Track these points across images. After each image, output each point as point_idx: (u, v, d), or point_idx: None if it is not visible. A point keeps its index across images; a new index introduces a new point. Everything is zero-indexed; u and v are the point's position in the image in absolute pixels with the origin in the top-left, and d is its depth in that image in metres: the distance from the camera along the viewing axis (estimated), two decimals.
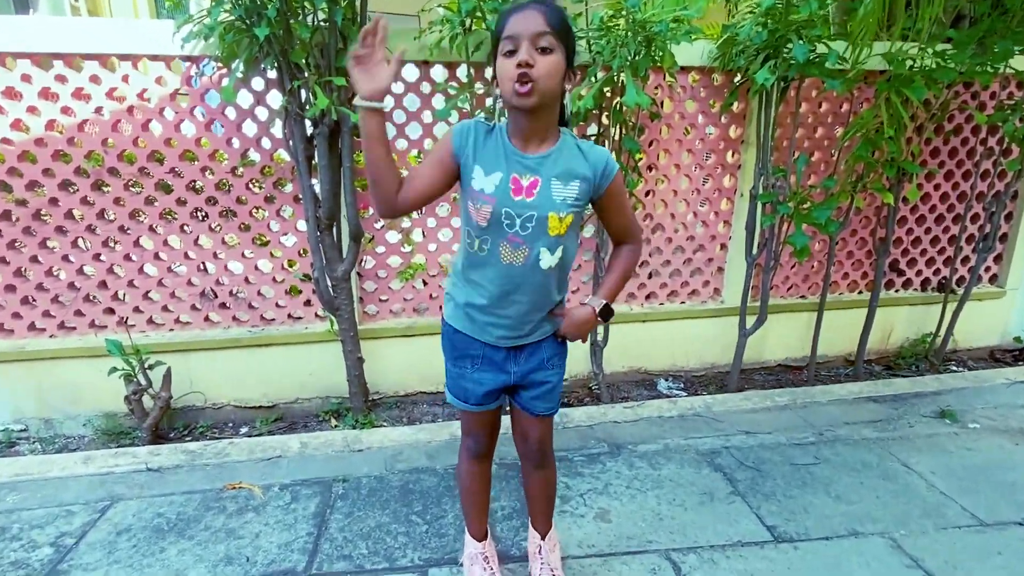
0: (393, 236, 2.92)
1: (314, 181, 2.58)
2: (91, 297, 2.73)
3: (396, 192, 1.30)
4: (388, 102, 2.71)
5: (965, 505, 2.17)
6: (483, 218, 1.30)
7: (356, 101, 1.23)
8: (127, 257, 2.70)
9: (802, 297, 3.44)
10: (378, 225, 2.89)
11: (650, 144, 3.00)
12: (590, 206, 1.40)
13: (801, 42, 2.49)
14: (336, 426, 2.84)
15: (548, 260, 1.35)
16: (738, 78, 2.91)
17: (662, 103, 2.94)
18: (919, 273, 3.59)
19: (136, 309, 2.77)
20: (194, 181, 2.67)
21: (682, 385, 3.30)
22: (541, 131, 1.30)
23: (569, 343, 1.56)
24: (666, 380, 3.33)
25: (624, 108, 2.63)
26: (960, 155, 3.36)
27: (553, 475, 1.69)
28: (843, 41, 2.77)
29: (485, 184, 1.29)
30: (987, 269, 3.66)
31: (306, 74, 2.34)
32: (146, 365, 2.60)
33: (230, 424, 2.90)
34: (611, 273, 1.51)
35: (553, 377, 1.52)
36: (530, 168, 1.29)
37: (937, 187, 3.41)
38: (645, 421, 2.76)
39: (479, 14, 2.38)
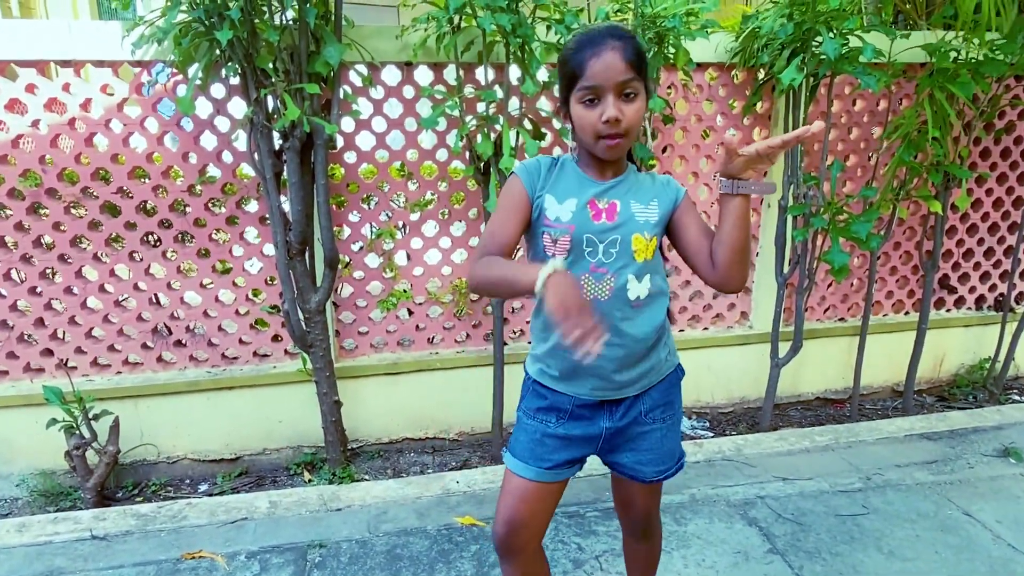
0: (373, 259, 2.93)
1: (283, 200, 2.60)
2: (26, 337, 2.72)
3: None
4: (366, 109, 2.74)
5: None
6: (563, 249, 1.33)
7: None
8: (68, 290, 2.70)
9: (841, 320, 3.47)
10: (355, 247, 2.91)
11: (664, 150, 3.04)
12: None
13: (832, 36, 2.54)
14: (310, 481, 2.82)
15: (636, 289, 1.36)
16: (761, 74, 2.96)
17: (675, 104, 2.98)
18: (973, 290, 3.62)
19: (78, 350, 2.76)
20: (145, 202, 2.68)
21: (708, 424, 3.31)
22: (617, 163, 1.38)
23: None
24: (689, 419, 3.33)
25: None
26: (1014, 156, 3.42)
27: (659, 545, 1.69)
28: (878, 32, 2.83)
29: (560, 212, 1.34)
30: None
31: (274, 80, 2.37)
32: (90, 415, 2.58)
33: (187, 481, 2.88)
34: (720, 226, 1.37)
35: (660, 429, 1.48)
36: (606, 192, 1.36)
37: (989, 192, 3.46)
38: None
39: (469, 11, 2.42)
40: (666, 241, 1.45)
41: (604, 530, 2.34)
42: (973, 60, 2.84)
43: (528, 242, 1.44)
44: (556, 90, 1.32)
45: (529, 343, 3.15)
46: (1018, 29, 2.85)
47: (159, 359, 2.84)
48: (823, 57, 2.57)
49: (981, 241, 3.54)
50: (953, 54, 2.86)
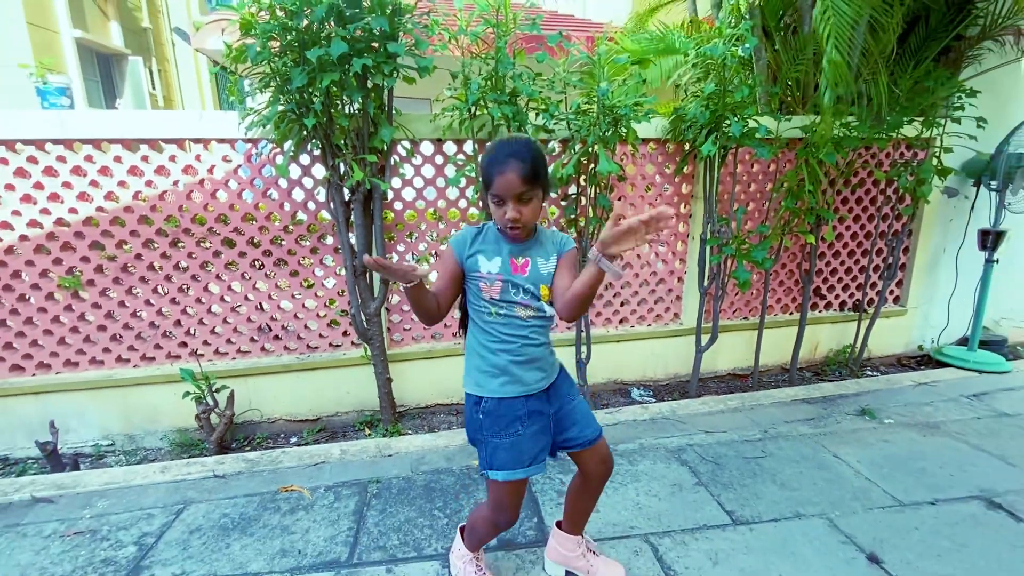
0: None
1: (351, 236, 2.61)
2: (168, 333, 2.72)
3: (437, 312, 1.36)
4: (409, 171, 2.76)
5: (886, 489, 2.16)
6: (496, 291, 1.36)
7: (400, 284, 1.28)
8: (198, 300, 2.69)
9: (745, 319, 3.47)
10: (435, 276, 2.90)
11: (619, 199, 3.05)
12: None
13: (736, 120, 2.56)
14: (369, 435, 2.81)
15: (549, 310, 1.41)
16: (687, 147, 2.98)
17: (626, 167, 3.00)
18: (837, 297, 3.63)
19: (205, 342, 2.75)
20: (252, 237, 2.68)
21: (651, 393, 3.30)
22: (526, 235, 1.40)
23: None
24: (638, 389, 3.32)
25: (597, 174, 2.69)
26: (865, 202, 3.44)
27: None
28: (769, 116, 2.85)
29: (490, 267, 1.36)
30: (891, 292, 3.71)
31: (344, 152, 2.38)
32: (213, 389, 2.57)
33: (282, 435, 2.87)
34: (578, 281, 1.33)
35: (578, 402, 1.51)
36: (520, 252, 1.38)
37: (848, 228, 3.47)
38: (623, 424, 2.75)
39: (482, 103, 2.44)
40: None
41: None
42: (836, 136, 2.86)
43: (467, 296, 1.43)
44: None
45: None
46: (866, 115, 2.88)
47: (262, 349, 2.83)
48: (730, 134, 2.59)
49: (843, 262, 3.55)
50: (821, 132, 2.88)
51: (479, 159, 1.35)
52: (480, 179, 1.35)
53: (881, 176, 3.09)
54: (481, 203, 1.37)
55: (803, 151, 2.85)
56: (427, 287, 1.32)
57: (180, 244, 2.64)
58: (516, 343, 1.39)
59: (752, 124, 2.67)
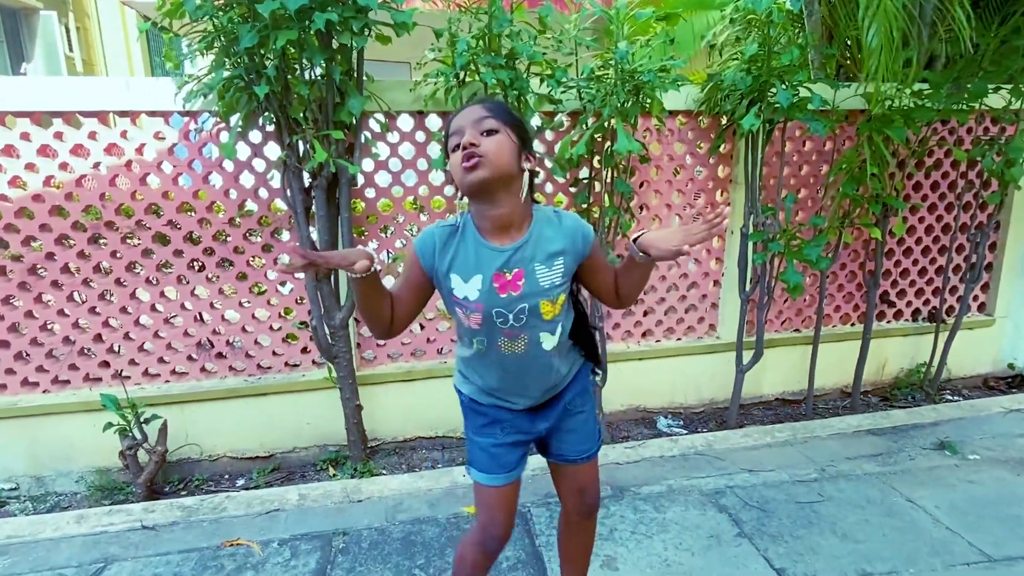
0: (390, 281, 2.92)
1: (312, 230, 2.60)
2: (86, 350, 2.71)
3: (389, 324, 1.29)
4: (384, 151, 2.76)
5: (972, 541, 2.15)
6: (475, 323, 1.30)
7: (349, 274, 1.19)
8: (123, 310, 2.69)
9: (796, 331, 3.47)
10: (376, 268, 2.90)
11: (641, 185, 3.06)
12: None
13: (784, 87, 2.57)
14: (335, 475, 2.80)
15: (550, 341, 1.34)
16: (724, 120, 2.99)
17: (650, 146, 3.00)
18: (909, 304, 3.64)
19: (132, 361, 2.74)
20: (191, 232, 2.68)
21: (682, 422, 3.29)
22: (509, 216, 1.26)
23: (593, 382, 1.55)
24: (665, 417, 3.32)
25: (615, 153, 2.69)
26: (942, 188, 3.45)
27: (595, 526, 1.64)
28: (824, 84, 2.87)
29: (468, 291, 1.27)
30: (975, 298, 3.72)
31: (304, 128, 2.38)
32: (142, 419, 2.56)
33: (226, 476, 2.85)
34: (621, 271, 1.41)
35: (581, 416, 1.48)
36: (510, 261, 1.26)
37: (922, 220, 3.48)
38: (647, 462, 2.74)
39: (472, 67, 2.44)
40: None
41: None
42: (905, 107, 2.87)
43: (444, 300, 1.37)
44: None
45: None
46: (943, 81, 2.89)
47: (203, 369, 2.83)
48: (777, 105, 2.60)
49: (916, 262, 3.56)
50: (888, 102, 2.90)
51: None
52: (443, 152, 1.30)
53: (961, 156, 3.10)
54: (449, 180, 1.31)
55: (865, 125, 2.86)
56: (383, 284, 1.23)
57: (102, 241, 2.63)
58: (499, 376, 1.38)
59: (804, 93, 2.67)
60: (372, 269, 1.17)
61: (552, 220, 1.32)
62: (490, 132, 1.20)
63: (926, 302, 3.65)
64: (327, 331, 2.67)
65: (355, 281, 1.19)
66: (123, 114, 2.53)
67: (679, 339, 3.33)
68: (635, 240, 1.27)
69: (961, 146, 3.35)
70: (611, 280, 1.40)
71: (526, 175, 1.28)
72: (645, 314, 3.26)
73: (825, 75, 3.40)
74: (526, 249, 1.27)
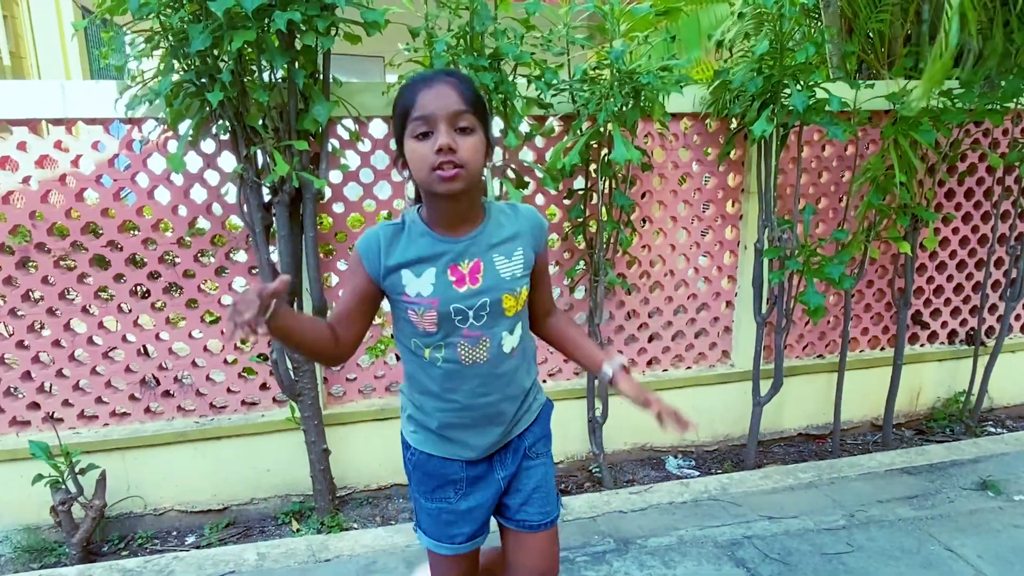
0: None
1: (272, 250, 2.62)
2: (12, 390, 2.68)
3: (335, 350, 1.29)
4: (354, 161, 2.78)
5: None
6: (431, 324, 1.28)
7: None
8: (55, 343, 2.67)
9: (819, 357, 3.52)
10: (342, 293, 2.91)
11: (643, 196, 3.10)
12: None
13: (799, 88, 2.64)
14: (299, 530, 2.78)
15: (510, 342, 1.35)
16: (734, 124, 3.05)
17: (652, 152, 3.05)
18: (945, 325, 3.69)
19: (65, 402, 2.73)
20: (134, 254, 2.68)
21: (693, 463, 3.31)
22: (466, 211, 1.29)
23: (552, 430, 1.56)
24: (675, 457, 3.33)
25: (612, 162, 2.74)
26: (977, 196, 3.53)
27: None
28: (843, 83, 2.94)
29: (420, 287, 1.27)
30: (1017, 317, 3.78)
31: (264, 137, 2.40)
32: (76, 469, 2.54)
33: (174, 533, 2.83)
34: (586, 340, 1.53)
35: (542, 468, 1.47)
36: (465, 251, 1.28)
37: (956, 231, 3.55)
38: (655, 509, 2.75)
39: (452, 68, 2.48)
40: None
41: (594, 575, 2.32)
42: (934, 108, 2.94)
43: (392, 314, 1.36)
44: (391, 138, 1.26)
45: None
46: (974, 79, 2.97)
47: (147, 410, 2.81)
48: (792, 109, 2.66)
49: (950, 278, 3.62)
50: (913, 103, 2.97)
51: (394, 101, 1.26)
52: (394, 123, 1.25)
53: (996, 162, 3.18)
54: (398, 164, 1.27)
55: (890, 128, 2.93)
56: (293, 318, 1.18)
57: (31, 265, 2.62)
58: (460, 400, 1.34)
59: (821, 94, 2.74)
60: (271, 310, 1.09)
61: (505, 210, 1.37)
62: (465, 131, 1.19)
63: (963, 322, 3.71)
64: (289, 365, 2.68)
65: (269, 328, 1.10)
66: (57, 122, 2.54)
67: (689, 367, 3.36)
68: (612, 371, 1.42)
69: (997, 149, 3.43)
70: (544, 301, 1.45)
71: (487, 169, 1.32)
72: (650, 340, 3.29)
73: (845, 73, 3.48)
74: (481, 238, 1.29)
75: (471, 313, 1.28)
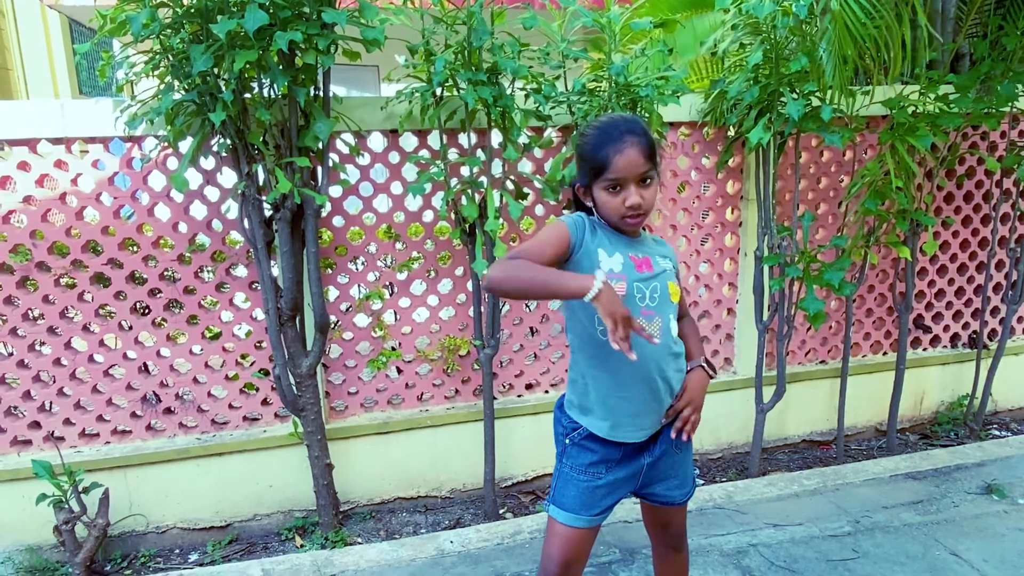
0: (362, 319, 3.00)
1: (273, 266, 2.67)
2: (13, 410, 2.73)
3: None
4: (353, 175, 2.85)
5: None
6: (621, 292, 1.52)
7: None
8: (56, 361, 2.73)
9: (822, 363, 3.58)
10: (344, 307, 2.98)
11: None
12: None
13: (795, 97, 2.71)
14: (302, 546, 2.83)
15: (674, 328, 1.62)
16: (732, 132, 3.12)
17: None
18: (947, 329, 3.77)
19: (67, 421, 2.78)
20: (134, 272, 2.74)
21: (698, 471, 3.37)
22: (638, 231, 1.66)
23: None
24: None
25: None
26: (976, 199, 3.61)
27: (688, 553, 1.90)
28: (839, 89, 3.01)
29: (612, 264, 1.56)
30: (1019, 319, 3.86)
31: (265, 154, 2.46)
32: (79, 488, 2.59)
33: (177, 551, 2.87)
34: (692, 339, 1.74)
35: (682, 454, 1.72)
36: (638, 248, 1.61)
37: (956, 235, 3.63)
38: None
39: (451, 83, 2.56)
40: None
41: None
42: (930, 113, 3.02)
43: (573, 316, 1.63)
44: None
45: (519, 396, 3.22)
46: (970, 84, 3.06)
47: (148, 427, 2.86)
48: (787, 116, 2.73)
49: (951, 281, 3.70)
50: (911, 108, 3.05)
51: (576, 143, 1.58)
52: (581, 165, 1.59)
53: (993, 166, 3.26)
54: (571, 196, 1.59)
55: (887, 134, 3.01)
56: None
57: (31, 284, 2.68)
58: (645, 382, 1.56)
59: (815, 102, 2.81)
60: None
61: (649, 235, 1.72)
62: (646, 182, 1.52)
63: (965, 325, 3.78)
64: (292, 380, 2.73)
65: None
66: (56, 141, 2.60)
67: None
68: (691, 367, 1.68)
69: (994, 153, 3.51)
70: (681, 305, 1.71)
71: None
72: None
73: (841, 80, 3.55)
74: (645, 244, 1.65)
75: (647, 292, 1.57)
